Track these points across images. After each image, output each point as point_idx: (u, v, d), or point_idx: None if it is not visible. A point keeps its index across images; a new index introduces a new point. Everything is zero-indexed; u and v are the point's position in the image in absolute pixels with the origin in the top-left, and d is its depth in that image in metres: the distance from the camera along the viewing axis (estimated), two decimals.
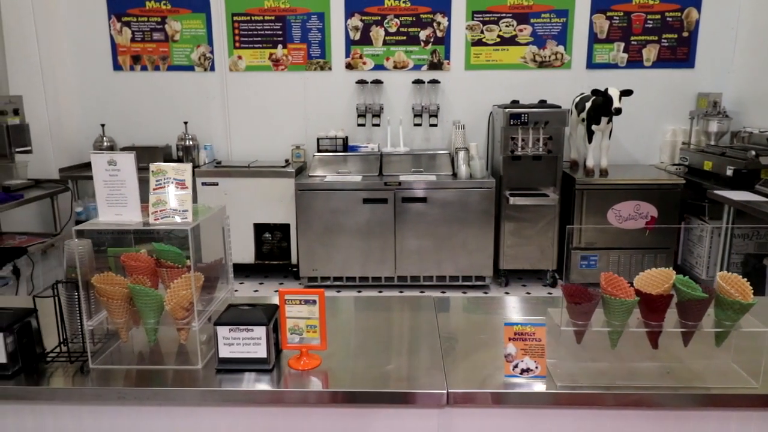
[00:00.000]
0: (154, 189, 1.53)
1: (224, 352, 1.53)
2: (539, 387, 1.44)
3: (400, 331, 1.80)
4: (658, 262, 4.46)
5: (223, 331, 1.52)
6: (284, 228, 4.72)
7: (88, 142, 5.08)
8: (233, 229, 4.55)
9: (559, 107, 4.43)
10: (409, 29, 4.88)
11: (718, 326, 1.44)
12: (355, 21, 4.88)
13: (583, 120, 4.53)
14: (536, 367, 1.46)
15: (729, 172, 4.03)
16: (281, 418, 1.52)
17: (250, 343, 1.52)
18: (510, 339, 1.47)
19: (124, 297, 1.57)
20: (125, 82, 5.07)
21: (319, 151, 4.85)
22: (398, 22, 4.87)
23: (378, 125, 4.97)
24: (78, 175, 4.76)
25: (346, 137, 4.89)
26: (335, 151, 4.85)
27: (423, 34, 4.89)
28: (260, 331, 1.51)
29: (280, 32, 4.92)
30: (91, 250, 1.65)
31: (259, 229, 4.73)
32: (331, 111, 5.05)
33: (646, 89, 4.84)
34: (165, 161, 4.85)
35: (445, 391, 1.43)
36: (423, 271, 4.54)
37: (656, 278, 1.46)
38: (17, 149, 4.01)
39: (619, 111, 4.11)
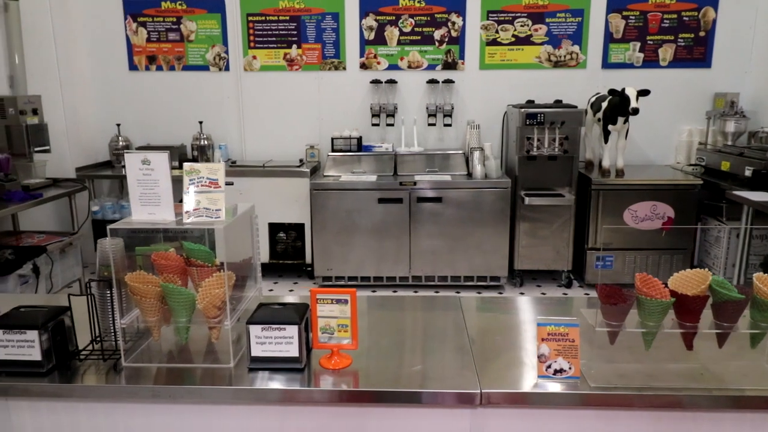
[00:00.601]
0: (187, 188, 1.53)
1: (256, 350, 1.53)
2: (573, 388, 1.44)
3: (429, 331, 1.80)
4: (675, 263, 4.43)
5: (255, 330, 1.52)
6: (298, 227, 4.72)
7: (103, 141, 5.11)
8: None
9: (575, 107, 4.42)
10: (424, 29, 4.88)
11: (754, 328, 1.43)
12: (370, 21, 4.88)
13: (599, 120, 4.51)
14: (570, 368, 1.46)
15: (748, 173, 4.00)
16: (313, 417, 1.52)
17: (282, 342, 1.52)
18: (543, 339, 1.46)
19: (157, 295, 1.57)
20: (141, 82, 5.10)
21: (333, 150, 4.85)
22: (413, 22, 4.87)
23: (392, 125, 4.97)
24: (94, 174, 4.80)
25: (360, 137, 4.89)
26: (349, 151, 4.85)
27: (437, 34, 4.88)
28: (292, 330, 1.52)
29: (295, 32, 4.93)
30: (123, 248, 1.66)
31: (274, 228, 4.74)
32: (345, 111, 5.05)
33: (662, 89, 4.81)
34: (180, 161, 4.89)
35: (478, 392, 1.43)
36: (437, 271, 4.54)
37: (691, 279, 1.46)
38: (36, 149, 4.04)
39: (636, 111, 4.09)
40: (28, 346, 1.51)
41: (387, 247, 4.49)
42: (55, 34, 4.74)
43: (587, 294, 4.49)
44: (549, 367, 1.46)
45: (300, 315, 1.55)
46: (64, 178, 4.43)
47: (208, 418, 1.53)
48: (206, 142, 4.97)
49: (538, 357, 1.47)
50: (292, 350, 1.53)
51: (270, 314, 1.55)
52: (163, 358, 1.64)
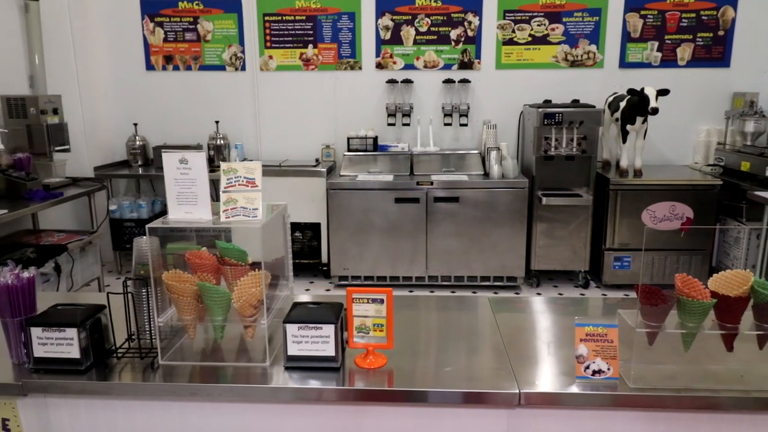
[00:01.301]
0: (225, 187, 1.54)
1: (293, 349, 1.54)
2: (611, 389, 1.43)
3: (461, 331, 1.80)
4: (694, 263, 4.40)
5: (292, 329, 1.53)
6: (314, 227, 4.73)
7: (120, 141, 5.14)
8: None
9: (593, 107, 4.40)
10: (440, 28, 4.87)
11: None
12: (386, 20, 4.88)
13: (617, 120, 4.49)
14: (608, 369, 1.45)
15: None
16: (349, 416, 1.53)
17: (319, 341, 1.53)
18: (581, 340, 1.46)
19: (194, 294, 1.58)
20: (158, 82, 5.12)
21: (349, 150, 4.86)
22: (429, 22, 4.86)
23: (408, 125, 4.96)
24: (112, 173, 4.82)
25: (376, 137, 4.89)
26: (365, 151, 4.85)
27: (454, 34, 4.87)
28: (329, 330, 1.52)
29: (311, 32, 4.94)
30: (158, 247, 1.67)
31: (290, 227, 4.74)
32: (361, 110, 5.05)
33: (680, 89, 4.77)
34: None
35: (517, 392, 1.43)
36: (453, 271, 4.53)
37: (732, 280, 1.45)
38: (56, 148, 4.07)
39: (656, 111, 4.07)
40: (67, 344, 1.52)
41: (403, 246, 4.49)
42: (74, 34, 4.78)
43: (604, 295, 4.48)
44: (587, 367, 1.45)
45: (336, 314, 1.55)
46: (83, 177, 4.46)
47: (244, 416, 1.54)
48: (222, 142, 4.99)
49: (576, 358, 1.46)
50: (329, 349, 1.53)
51: (307, 313, 1.55)
52: (198, 356, 1.65)
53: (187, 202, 1.56)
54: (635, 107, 4.25)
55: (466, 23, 4.84)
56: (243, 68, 5.05)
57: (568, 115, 4.25)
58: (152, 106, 5.15)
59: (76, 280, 3.93)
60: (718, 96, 4.85)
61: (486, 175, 4.56)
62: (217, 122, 5.01)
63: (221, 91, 5.11)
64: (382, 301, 1.54)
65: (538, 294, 4.51)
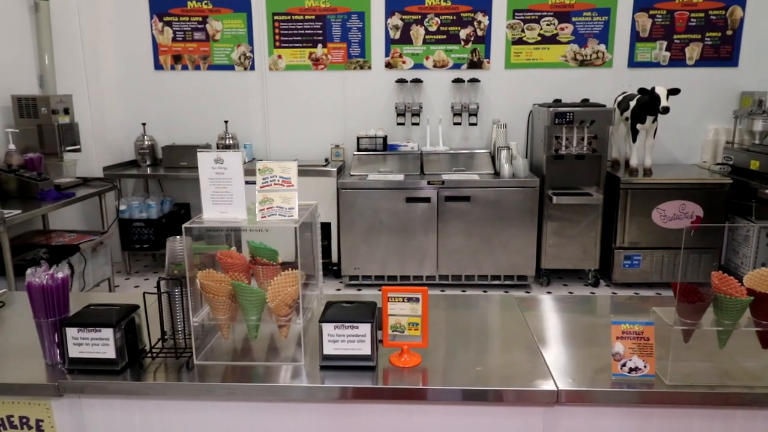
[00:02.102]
0: (261, 187, 1.54)
1: (329, 348, 1.54)
2: (648, 386, 1.43)
3: (492, 329, 1.81)
4: (703, 262, 4.42)
5: (328, 328, 1.53)
6: (325, 226, 4.72)
7: (128, 141, 5.13)
8: (274, 228, 4.58)
9: (604, 106, 4.41)
10: (450, 28, 4.88)
11: None
12: (396, 20, 4.88)
13: (626, 119, 4.51)
14: (645, 366, 1.45)
15: None
16: (385, 415, 1.53)
17: (355, 340, 1.53)
18: (618, 338, 1.46)
19: (229, 294, 1.58)
20: (166, 82, 5.12)
21: (359, 150, 4.86)
22: (438, 21, 4.87)
23: (417, 124, 4.97)
24: (122, 173, 4.82)
25: (386, 136, 4.89)
26: (375, 150, 4.86)
27: (463, 33, 4.88)
28: (365, 329, 1.52)
29: (320, 32, 4.94)
30: (191, 247, 1.66)
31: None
32: (370, 110, 5.06)
33: (689, 88, 4.77)
34: None
35: (555, 389, 1.43)
36: (464, 270, 4.54)
37: None
38: (67, 148, 4.06)
39: (667, 110, 4.08)
40: (102, 344, 1.52)
41: (414, 246, 4.49)
42: (82, 34, 4.76)
43: (614, 293, 4.49)
44: (624, 365, 1.46)
45: (371, 313, 1.55)
46: (93, 177, 4.45)
47: (280, 415, 1.54)
48: (231, 142, 4.98)
49: (613, 355, 1.47)
50: (365, 348, 1.53)
51: (342, 312, 1.55)
52: (231, 356, 1.65)
53: (222, 202, 1.56)
54: (645, 106, 4.26)
55: (475, 23, 4.85)
56: (252, 68, 5.05)
57: (579, 115, 4.25)
58: (161, 106, 5.15)
59: (88, 281, 3.93)
60: (726, 95, 4.86)
61: (496, 174, 4.56)
62: (226, 122, 5.01)
63: (230, 91, 5.10)
64: (417, 299, 1.54)
65: (549, 293, 4.52)
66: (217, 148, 5.02)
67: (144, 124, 5.03)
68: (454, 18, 4.86)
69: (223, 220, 1.58)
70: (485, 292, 4.55)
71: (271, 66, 5.03)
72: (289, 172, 1.53)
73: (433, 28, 4.89)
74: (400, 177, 4.52)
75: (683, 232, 4.30)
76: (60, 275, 1.56)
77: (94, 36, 4.87)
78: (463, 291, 4.58)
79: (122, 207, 4.75)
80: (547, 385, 1.45)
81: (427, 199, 4.41)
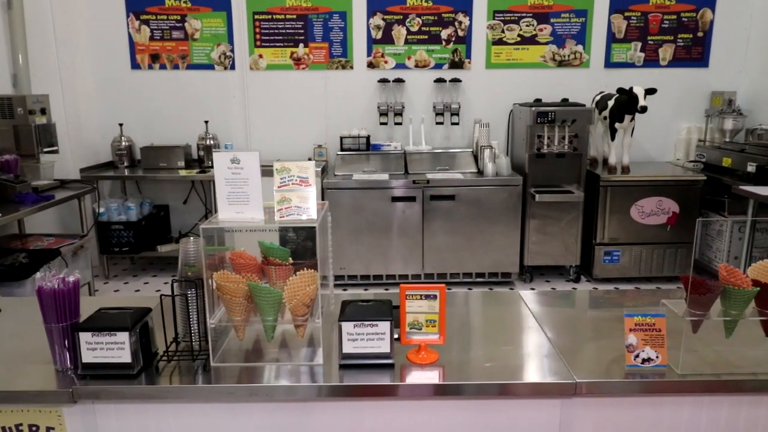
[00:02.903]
0: (278, 186, 1.54)
1: (348, 347, 1.54)
2: (661, 376, 1.48)
3: (502, 325, 1.84)
4: (679, 256, 4.56)
5: (347, 326, 1.53)
6: (309, 227, 4.70)
7: (105, 141, 5.02)
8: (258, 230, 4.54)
9: (584, 105, 4.51)
10: (431, 28, 4.92)
11: None
12: (377, 20, 4.89)
13: (605, 118, 4.62)
14: (657, 357, 1.50)
15: (751, 168, 4.15)
16: (404, 412, 1.54)
17: (374, 338, 1.54)
18: (631, 330, 1.51)
19: (245, 294, 1.57)
20: (144, 81, 5.01)
21: (342, 149, 4.85)
22: (420, 21, 4.90)
23: (400, 124, 4.99)
24: (99, 175, 4.70)
25: (369, 136, 4.90)
26: (358, 150, 4.86)
27: (444, 33, 4.92)
28: (384, 326, 1.53)
29: (302, 31, 4.92)
30: (204, 248, 1.65)
31: (284, 227, 4.71)
32: (352, 110, 5.06)
33: (662, 88, 4.92)
34: (186, 161, 4.83)
35: (573, 381, 1.47)
36: (449, 268, 4.58)
37: None
38: (44, 149, 3.95)
39: (645, 109, 4.21)
40: (117, 348, 1.49)
41: (400, 245, 4.51)
42: (56, 31, 4.63)
43: (596, 288, 4.60)
44: (637, 356, 1.51)
45: (389, 311, 1.56)
46: (71, 179, 4.33)
47: (299, 415, 1.54)
48: (212, 142, 4.91)
49: (627, 347, 1.51)
50: (384, 346, 1.54)
51: (361, 311, 1.56)
52: (244, 357, 1.64)
53: (238, 202, 1.55)
54: (624, 106, 4.38)
55: (456, 23, 4.90)
56: (232, 67, 4.99)
57: (561, 114, 4.34)
58: (138, 106, 5.04)
59: None
60: (698, 95, 5.03)
61: (479, 173, 4.62)
62: (206, 122, 4.94)
63: (210, 91, 5.03)
64: (435, 297, 1.56)
65: (532, 289, 4.60)
66: (198, 148, 4.95)
67: (121, 125, 4.92)
68: (436, 18, 4.90)
69: (239, 221, 1.56)
70: (470, 289, 4.60)
71: (252, 65, 4.98)
72: (307, 172, 1.53)
73: (415, 28, 4.92)
74: (385, 176, 4.53)
75: (666, 227, 4.45)
76: (71, 279, 1.52)
77: (69, 34, 4.74)
78: (449, 289, 4.61)
79: (100, 209, 4.63)
80: (565, 378, 1.48)
81: (412, 198, 4.44)
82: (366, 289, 4.60)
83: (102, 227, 4.65)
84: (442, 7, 4.87)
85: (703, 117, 5.00)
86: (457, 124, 4.99)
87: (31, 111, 3.81)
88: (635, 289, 4.58)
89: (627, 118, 4.44)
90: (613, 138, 4.57)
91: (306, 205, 1.53)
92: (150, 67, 4.99)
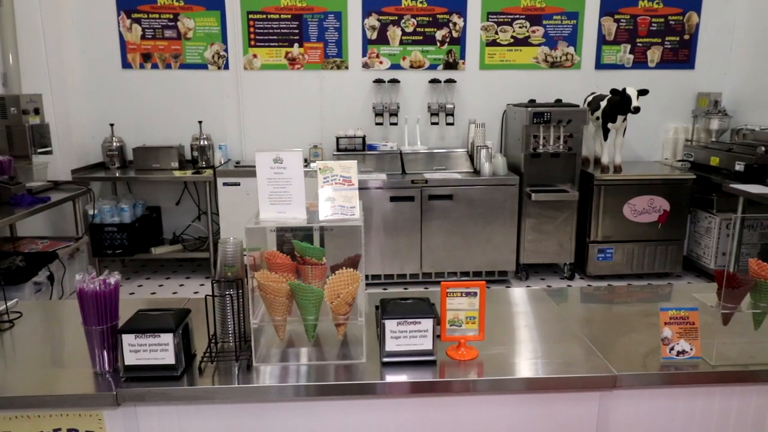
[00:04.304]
0: (322, 186, 1.54)
1: (391, 345, 1.55)
2: (695, 367, 1.54)
3: (534, 321, 1.87)
4: (670, 253, 4.68)
5: (391, 324, 1.54)
6: (306, 228, 4.69)
7: (95, 142, 4.93)
8: (256, 231, 4.51)
9: (577, 106, 4.60)
10: (426, 29, 4.95)
11: None
12: (372, 20, 4.91)
13: (597, 118, 4.71)
14: (691, 349, 1.56)
15: (739, 167, 4.28)
16: (446, 407, 1.56)
17: (417, 335, 1.55)
18: (666, 323, 1.56)
19: (288, 294, 1.57)
20: (135, 81, 4.94)
21: (338, 150, 4.85)
22: (415, 22, 4.93)
23: (396, 124, 5.01)
24: (92, 176, 4.61)
25: (365, 136, 4.91)
26: (354, 150, 4.86)
27: (439, 34, 4.96)
28: (427, 324, 1.55)
29: (297, 31, 4.90)
30: (242, 249, 1.64)
31: (282, 228, 4.69)
32: (348, 110, 5.06)
33: (650, 89, 4.97)
34: (179, 162, 4.77)
35: (613, 374, 1.51)
36: (447, 267, 4.62)
37: None
38: (38, 150, 3.86)
39: (638, 109, 4.31)
40: (161, 350, 1.48)
41: (398, 244, 4.53)
42: (44, 30, 4.52)
43: (590, 285, 4.68)
44: (672, 349, 1.56)
45: (430, 308, 1.58)
46: (64, 180, 4.24)
47: (343, 413, 1.54)
48: (206, 143, 4.86)
49: (662, 340, 1.56)
50: (426, 343, 1.56)
51: (404, 309, 1.57)
52: (285, 356, 1.64)
53: (280, 202, 1.55)
54: (617, 106, 4.48)
55: (451, 24, 4.94)
56: (226, 67, 4.94)
57: (557, 114, 4.42)
58: (129, 106, 4.96)
59: (67, 288, 3.75)
60: (684, 96, 5.17)
61: (476, 172, 4.67)
62: (200, 122, 4.88)
63: (203, 91, 4.98)
64: (475, 294, 1.59)
65: (528, 287, 4.66)
66: (191, 149, 4.89)
67: (112, 125, 4.84)
68: (430, 19, 4.93)
69: (282, 220, 1.57)
70: None
71: (246, 65, 4.95)
72: (350, 171, 1.54)
73: (410, 29, 4.94)
74: (383, 176, 4.55)
75: (657, 225, 4.56)
76: (112, 280, 1.51)
77: (58, 33, 4.64)
78: None
79: (92, 211, 4.54)
80: (605, 371, 1.52)
81: (410, 198, 4.46)
82: (365, 289, 4.59)
83: (95, 229, 4.57)
84: (436, 8, 4.91)
85: (689, 117, 5.14)
86: (452, 124, 5.03)
87: (24, 111, 3.73)
88: (648, 285, 4.68)
89: (620, 118, 4.54)
90: (605, 138, 4.67)
91: (350, 205, 1.54)
92: (141, 66, 4.92)
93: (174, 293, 4.50)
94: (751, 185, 4.02)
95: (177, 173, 4.66)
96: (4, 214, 3.31)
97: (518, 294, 2.11)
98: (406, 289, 4.63)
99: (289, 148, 4.91)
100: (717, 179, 4.46)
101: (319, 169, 1.55)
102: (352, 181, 1.55)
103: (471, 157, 4.85)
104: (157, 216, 5.07)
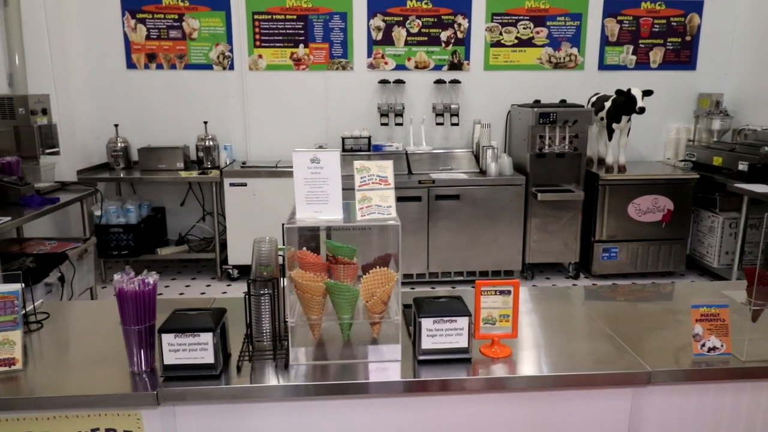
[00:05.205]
0: (359, 186, 1.55)
1: (427, 343, 1.57)
2: (726, 363, 1.56)
3: (561, 319, 1.89)
4: (673, 252, 4.73)
5: (427, 323, 1.56)
6: (313, 227, 4.69)
7: (99, 143, 4.91)
8: (262, 231, 4.51)
9: (582, 106, 4.63)
10: (431, 30, 4.97)
11: None
12: (378, 21, 4.92)
13: (601, 119, 4.75)
14: (722, 345, 1.58)
15: (742, 167, 4.33)
16: (482, 405, 1.57)
17: (453, 333, 1.57)
18: (697, 320, 1.58)
19: (323, 293, 1.58)
20: (139, 81, 4.92)
21: (344, 150, 4.86)
22: (420, 23, 4.95)
23: (401, 124, 5.03)
24: (98, 177, 4.59)
25: (370, 136, 4.92)
26: (360, 150, 4.87)
27: (444, 35, 4.99)
28: (463, 322, 1.57)
29: (302, 31, 4.91)
30: (277, 248, 1.65)
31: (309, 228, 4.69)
32: (352, 110, 5.07)
33: (653, 90, 5.09)
34: (185, 162, 4.76)
35: (648, 371, 1.53)
36: (453, 266, 4.64)
37: None
38: (46, 150, 3.84)
39: (643, 110, 4.35)
40: (201, 349, 1.48)
41: (405, 244, 4.54)
42: (49, 30, 4.50)
43: (595, 284, 4.72)
44: (703, 345, 1.58)
45: (465, 306, 1.60)
46: (71, 181, 4.22)
47: (382, 410, 1.56)
48: (211, 143, 4.85)
49: (693, 336, 1.58)
50: (462, 341, 1.57)
51: (440, 307, 1.59)
52: (320, 355, 1.64)
53: (317, 201, 1.56)
54: (621, 107, 4.52)
55: (455, 25, 4.97)
56: (231, 67, 4.94)
57: (562, 115, 4.45)
58: (134, 107, 4.95)
59: (76, 289, 3.73)
60: (686, 96, 5.23)
61: (481, 172, 4.69)
62: (205, 123, 4.88)
63: (208, 91, 4.97)
64: (509, 292, 1.60)
65: (534, 286, 4.70)
66: (197, 149, 4.88)
67: (116, 126, 4.82)
68: (435, 20, 4.96)
69: (318, 220, 1.57)
70: (473, 288, 4.66)
71: (251, 66, 4.95)
72: (386, 171, 1.55)
73: (415, 30, 4.96)
74: None
75: (661, 224, 4.60)
76: (151, 280, 1.51)
77: (62, 33, 4.62)
78: (453, 287, 4.68)
79: (98, 212, 4.52)
80: (639, 367, 1.55)
81: (417, 198, 4.48)
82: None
83: (100, 230, 4.55)
84: (441, 9, 4.93)
85: (691, 118, 5.20)
86: (457, 124, 5.05)
87: (33, 111, 3.70)
88: (632, 284, 4.73)
89: (624, 119, 4.59)
90: (610, 138, 4.71)
91: (386, 204, 1.55)
92: (146, 66, 4.90)
93: (181, 294, 4.49)
94: (756, 185, 4.07)
95: (183, 174, 4.65)
96: (14, 215, 3.28)
97: (539, 292, 2.13)
98: (413, 288, 4.65)
99: (294, 148, 4.89)
100: (720, 179, 4.51)
101: (357, 169, 1.56)
102: (389, 181, 1.56)
103: (476, 158, 4.87)
104: (161, 217, 5.06)
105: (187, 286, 4.67)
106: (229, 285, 4.67)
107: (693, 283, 4.56)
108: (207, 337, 1.48)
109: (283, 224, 1.56)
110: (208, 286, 4.66)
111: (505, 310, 1.61)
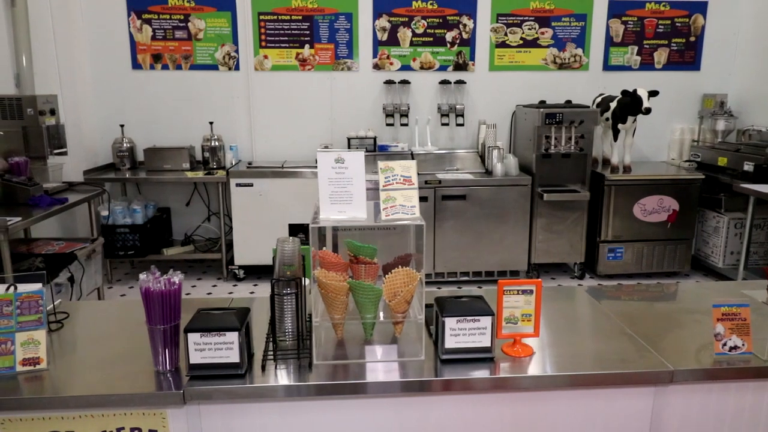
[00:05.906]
0: (383, 186, 1.56)
1: (450, 342, 1.57)
2: (747, 362, 1.57)
3: (580, 318, 1.90)
4: (679, 252, 4.74)
5: (450, 322, 1.57)
6: (323, 229, 4.69)
7: (104, 143, 4.91)
8: (268, 231, 4.51)
9: (588, 107, 4.65)
10: (436, 31, 4.98)
11: None
12: (383, 22, 4.93)
13: (607, 119, 4.77)
14: (743, 344, 1.59)
15: (747, 167, 4.35)
16: (505, 403, 1.58)
17: (476, 332, 1.58)
18: (718, 320, 1.59)
19: (347, 292, 1.59)
20: (145, 82, 4.92)
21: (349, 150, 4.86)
22: (425, 24, 4.96)
23: (406, 125, 5.04)
24: (105, 177, 4.59)
25: (376, 137, 4.93)
26: (366, 151, 4.87)
27: (449, 36, 5.00)
28: (486, 321, 1.57)
29: (308, 32, 4.91)
30: (300, 248, 1.66)
31: (294, 229, 4.70)
32: (358, 111, 5.07)
33: (657, 90, 5.11)
34: (190, 162, 4.76)
35: (670, 370, 1.54)
36: (459, 267, 4.65)
37: None
38: (54, 151, 3.84)
39: (649, 110, 4.36)
40: (226, 348, 1.49)
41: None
42: (55, 31, 4.49)
43: (600, 284, 4.73)
44: (725, 344, 1.59)
45: (488, 306, 1.60)
46: (78, 181, 4.22)
47: (406, 410, 1.56)
48: (217, 143, 4.85)
49: (715, 336, 1.59)
50: (485, 341, 1.58)
51: (463, 307, 1.59)
52: (343, 354, 1.65)
53: (341, 201, 1.56)
54: (627, 107, 4.53)
55: (461, 26, 4.98)
56: (237, 68, 4.94)
57: (568, 115, 4.46)
58: (139, 107, 4.94)
59: (84, 290, 3.72)
60: (690, 97, 5.24)
61: (487, 173, 4.70)
62: (211, 123, 4.87)
63: (214, 92, 4.97)
64: (531, 292, 1.61)
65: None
66: (203, 150, 4.87)
67: (122, 126, 4.81)
68: (441, 21, 4.97)
69: (342, 220, 1.58)
70: (479, 287, 4.67)
71: (257, 66, 4.95)
72: (410, 171, 1.56)
73: (420, 31, 4.97)
74: None
75: (666, 224, 4.62)
76: (176, 280, 1.52)
77: (68, 33, 4.61)
78: (459, 287, 4.69)
79: (105, 212, 4.52)
80: (661, 366, 1.55)
81: (424, 198, 4.48)
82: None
83: (106, 231, 4.54)
84: (446, 10, 4.94)
85: (695, 118, 5.21)
86: (462, 125, 5.06)
87: (41, 112, 3.70)
88: (638, 284, 4.74)
89: (630, 119, 4.60)
90: (615, 138, 4.72)
91: (410, 204, 1.56)
92: (152, 67, 4.90)
93: (187, 294, 4.49)
94: (761, 185, 4.08)
95: (190, 174, 4.65)
96: (24, 216, 3.28)
97: (554, 292, 2.13)
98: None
99: (299, 148, 4.90)
100: (725, 179, 4.53)
101: (381, 169, 1.56)
102: (413, 181, 1.57)
103: (481, 158, 4.88)
104: (167, 217, 5.06)
105: (193, 286, 4.67)
106: (235, 285, 4.67)
107: (704, 283, 4.57)
108: (233, 337, 1.48)
109: (308, 224, 1.56)
110: (214, 286, 4.66)
111: (528, 310, 1.62)
